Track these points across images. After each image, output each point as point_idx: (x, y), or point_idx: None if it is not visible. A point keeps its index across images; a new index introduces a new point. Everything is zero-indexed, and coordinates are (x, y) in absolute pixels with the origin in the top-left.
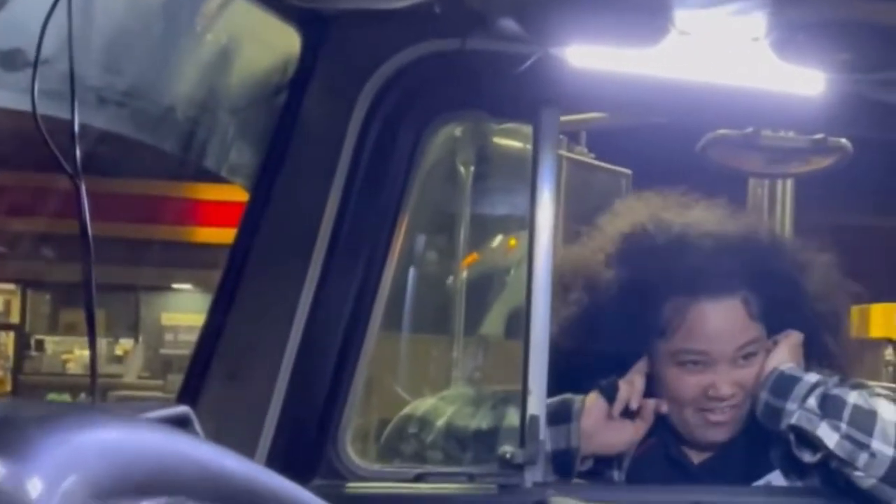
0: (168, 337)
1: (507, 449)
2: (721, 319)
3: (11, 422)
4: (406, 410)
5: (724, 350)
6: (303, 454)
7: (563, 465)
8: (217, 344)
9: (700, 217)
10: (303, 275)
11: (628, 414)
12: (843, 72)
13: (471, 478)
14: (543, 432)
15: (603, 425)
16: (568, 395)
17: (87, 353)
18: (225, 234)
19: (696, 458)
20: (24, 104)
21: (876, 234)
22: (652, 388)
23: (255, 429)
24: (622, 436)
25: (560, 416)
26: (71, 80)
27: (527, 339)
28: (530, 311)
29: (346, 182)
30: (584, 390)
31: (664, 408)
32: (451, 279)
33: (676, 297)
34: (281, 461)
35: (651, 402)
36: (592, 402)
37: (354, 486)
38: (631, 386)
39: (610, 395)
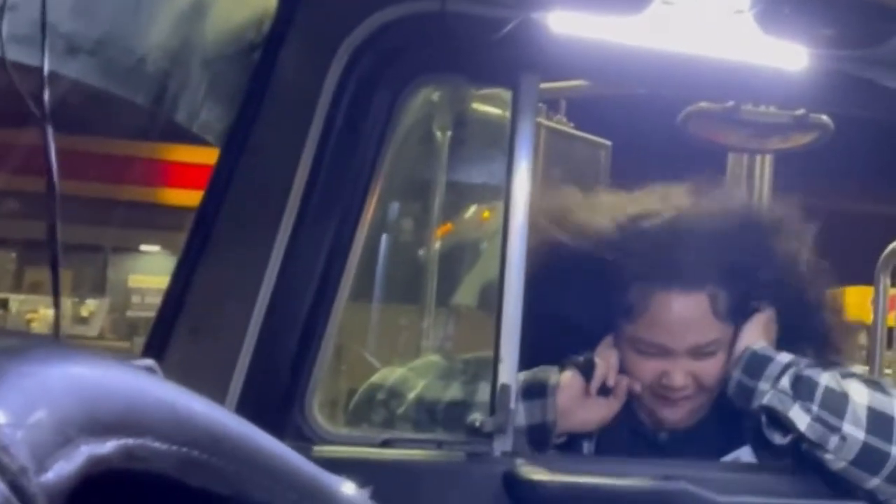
0: (135, 299)
1: (477, 417)
2: (684, 314)
3: None
4: (376, 377)
5: (681, 345)
6: (269, 416)
7: (538, 439)
8: (183, 303)
9: (678, 207)
10: (272, 236)
11: (603, 391)
12: (827, 47)
13: (439, 445)
14: (514, 401)
15: (579, 403)
16: (543, 369)
17: (51, 312)
18: (195, 197)
19: (662, 434)
20: None
21: (853, 216)
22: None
23: (220, 389)
24: (598, 413)
25: (535, 391)
26: (42, 26)
27: (499, 307)
28: (504, 279)
29: (319, 143)
30: (552, 362)
31: (638, 386)
32: (424, 247)
33: (644, 282)
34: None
35: (624, 380)
36: (569, 379)
37: (321, 450)
38: (607, 363)
39: (586, 372)
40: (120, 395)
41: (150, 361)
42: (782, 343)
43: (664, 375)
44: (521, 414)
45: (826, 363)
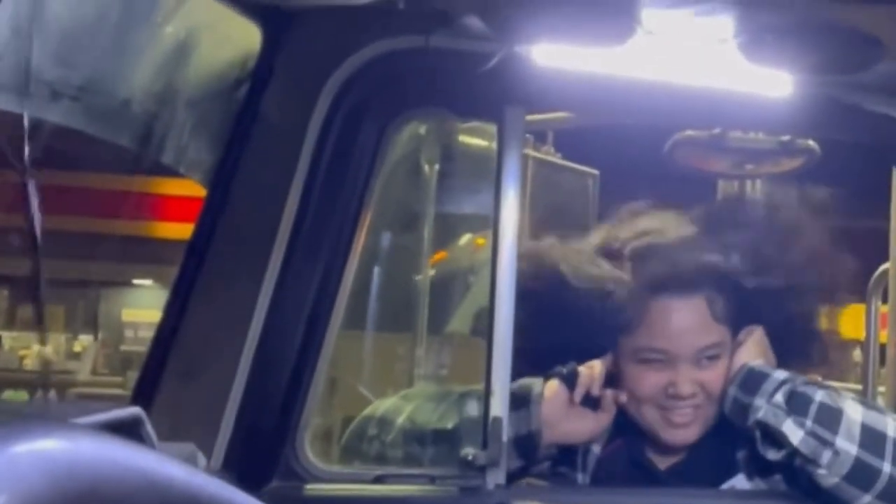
0: (128, 333)
1: (469, 451)
2: (683, 318)
3: None
4: (367, 411)
5: (684, 349)
6: (260, 455)
7: (525, 451)
8: (173, 342)
9: (669, 220)
10: (261, 273)
11: (590, 403)
12: (811, 74)
13: (432, 480)
14: (506, 434)
15: (564, 413)
16: (527, 380)
17: (46, 348)
18: (186, 230)
19: (662, 462)
20: None
21: (846, 235)
22: (615, 385)
23: (211, 429)
24: (583, 425)
25: (520, 401)
26: (26, 74)
27: (490, 338)
28: (494, 310)
29: (307, 179)
30: None
31: (623, 398)
32: (415, 278)
33: (640, 293)
34: (238, 462)
35: (611, 393)
36: (553, 389)
37: (313, 488)
38: (591, 372)
39: (570, 382)
40: (90, 467)
41: (136, 410)
42: (782, 363)
43: (670, 385)
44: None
45: (822, 383)
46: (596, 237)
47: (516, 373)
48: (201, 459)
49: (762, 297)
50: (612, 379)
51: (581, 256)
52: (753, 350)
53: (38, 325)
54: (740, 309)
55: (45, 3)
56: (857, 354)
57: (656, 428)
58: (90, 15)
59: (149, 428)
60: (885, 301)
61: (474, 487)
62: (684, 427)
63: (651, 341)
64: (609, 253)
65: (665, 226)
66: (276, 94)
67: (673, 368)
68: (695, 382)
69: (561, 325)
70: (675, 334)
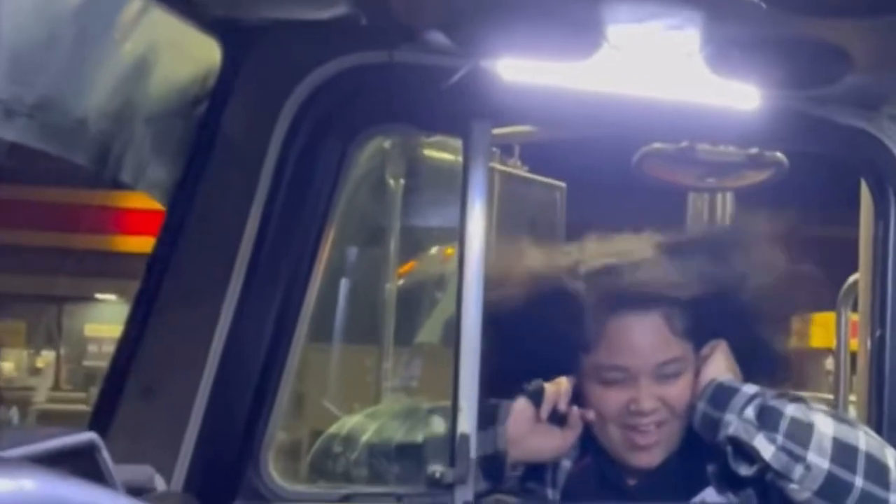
0: (91, 348)
1: (437, 468)
2: (640, 334)
3: None
4: (332, 429)
5: (644, 365)
6: (223, 475)
7: (492, 470)
8: (133, 359)
9: (629, 242)
10: (223, 288)
11: (556, 420)
12: (778, 87)
13: (399, 498)
14: (474, 451)
15: (530, 430)
16: (493, 400)
17: (7, 364)
18: (149, 243)
19: (631, 478)
20: None
21: (817, 244)
22: (580, 404)
23: (172, 448)
24: (550, 442)
25: (486, 421)
26: None
27: (457, 354)
28: (461, 326)
29: (269, 194)
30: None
31: (592, 416)
32: (382, 291)
33: (598, 312)
34: (200, 482)
35: (577, 411)
36: (519, 407)
37: None
38: (557, 388)
39: (536, 399)
40: None
41: (91, 436)
42: (746, 375)
43: (632, 402)
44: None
45: (792, 396)
46: (560, 260)
47: (481, 393)
48: (160, 482)
49: (722, 312)
50: (578, 399)
51: (544, 272)
52: (720, 363)
53: None
54: (701, 324)
55: None
56: (828, 363)
57: (621, 451)
58: (45, 32)
59: (104, 454)
60: (855, 310)
61: None
62: (648, 450)
63: (611, 359)
64: (571, 276)
65: (624, 248)
66: (238, 110)
67: (634, 385)
68: (657, 398)
69: (524, 347)
70: (634, 350)
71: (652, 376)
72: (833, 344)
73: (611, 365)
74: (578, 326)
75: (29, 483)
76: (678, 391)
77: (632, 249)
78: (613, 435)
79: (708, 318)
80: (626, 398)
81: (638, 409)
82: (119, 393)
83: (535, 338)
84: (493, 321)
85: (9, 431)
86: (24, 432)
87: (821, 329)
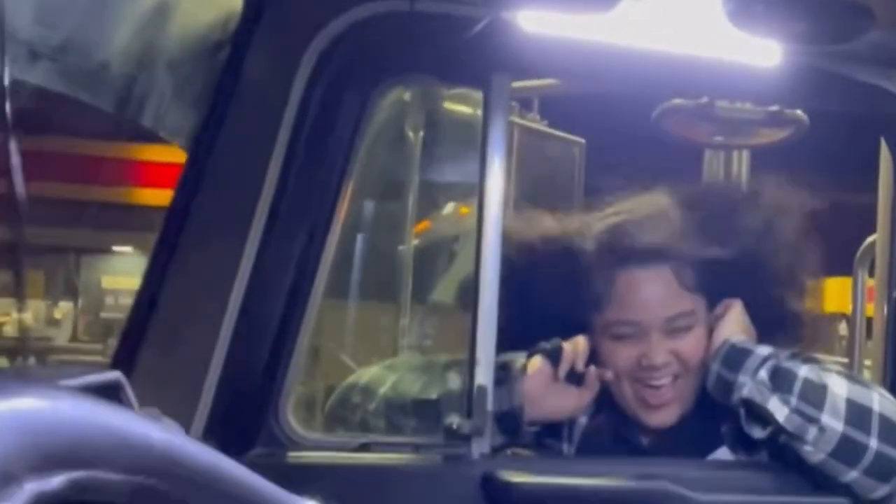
0: (108, 300)
1: (454, 419)
2: (649, 288)
3: None
4: (351, 379)
5: (653, 319)
6: (242, 422)
7: (508, 426)
8: (153, 308)
9: (640, 201)
10: (243, 239)
11: (573, 379)
12: (800, 43)
13: (416, 448)
14: (490, 403)
15: (547, 388)
16: (509, 355)
17: (25, 315)
18: (167, 196)
19: (647, 435)
20: None
21: (831, 208)
22: (594, 362)
23: (193, 395)
24: (567, 400)
25: (502, 377)
26: (0, 34)
27: (475, 308)
28: (479, 279)
29: (289, 144)
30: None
31: (609, 375)
32: (399, 246)
33: (607, 268)
34: (220, 428)
35: (595, 370)
36: (536, 365)
37: (295, 455)
38: (575, 348)
39: (554, 358)
40: (67, 427)
41: (116, 374)
42: (760, 335)
43: (643, 357)
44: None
45: (806, 357)
46: (571, 222)
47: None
48: (169, 424)
49: (734, 269)
50: (593, 359)
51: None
52: (733, 323)
53: (17, 291)
54: (712, 280)
55: None
56: (842, 327)
57: (635, 410)
58: None
59: (129, 392)
60: (871, 274)
61: (459, 456)
62: (661, 409)
63: (621, 314)
64: (580, 237)
65: (632, 205)
66: (259, 57)
67: (645, 339)
68: (668, 352)
69: (536, 306)
70: (644, 304)
71: (662, 330)
72: (847, 308)
73: (621, 320)
74: (589, 285)
75: (67, 404)
76: (690, 345)
77: (640, 205)
78: (627, 393)
79: (719, 274)
80: (638, 353)
81: (650, 364)
82: (138, 342)
83: (548, 297)
84: (507, 280)
85: (36, 369)
86: (50, 370)
87: (834, 294)
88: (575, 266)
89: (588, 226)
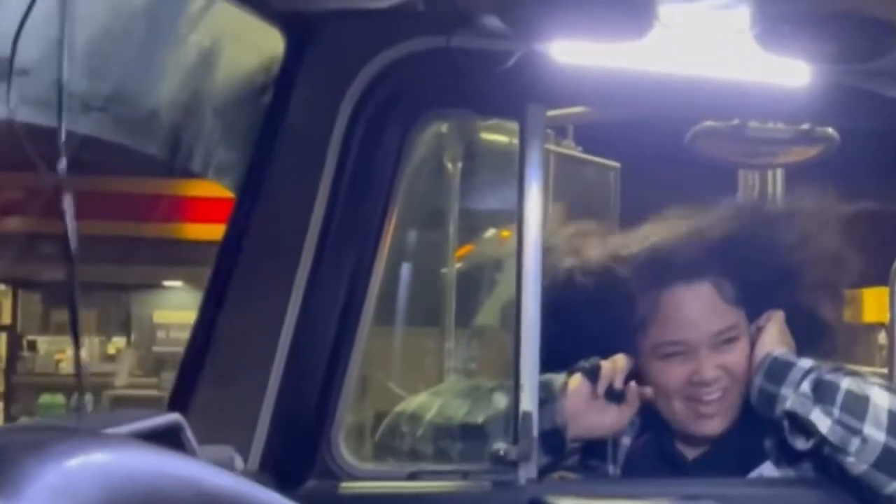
0: (160, 335)
1: (501, 446)
2: (693, 305)
3: (2, 451)
4: (398, 408)
5: (701, 336)
6: (296, 455)
7: (551, 446)
8: (208, 345)
9: (675, 223)
10: (292, 274)
11: (613, 397)
12: (828, 62)
13: (464, 475)
14: (536, 429)
15: (587, 406)
16: (549, 376)
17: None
18: (214, 231)
19: (690, 453)
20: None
21: (867, 219)
22: (638, 379)
23: (248, 430)
24: (607, 418)
25: (543, 397)
26: (59, 87)
27: (517, 333)
28: (520, 305)
29: (334, 181)
30: None
31: (650, 392)
32: (442, 273)
33: (648, 290)
34: (275, 462)
35: (635, 387)
36: (575, 383)
37: (348, 486)
38: (613, 366)
39: (593, 376)
40: (142, 478)
41: (176, 416)
42: (798, 348)
43: (694, 374)
44: None
45: (848, 370)
46: (609, 247)
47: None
48: (238, 462)
49: (772, 282)
50: (637, 378)
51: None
52: (774, 334)
53: (73, 329)
54: (750, 293)
55: (74, 18)
56: (881, 337)
57: (685, 421)
58: (117, 28)
59: (189, 434)
60: None
61: (507, 482)
62: (712, 418)
63: (668, 335)
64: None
65: (669, 225)
66: (301, 98)
67: (694, 357)
68: (717, 367)
69: (578, 330)
70: (690, 322)
71: (710, 346)
72: (885, 318)
73: (669, 341)
74: (632, 308)
75: (140, 456)
76: (736, 357)
77: (675, 224)
78: (678, 408)
79: (757, 287)
80: (688, 371)
81: (701, 380)
82: (195, 378)
83: (590, 321)
84: (547, 306)
85: (95, 415)
86: (110, 415)
87: (873, 304)
88: (616, 290)
89: (627, 248)
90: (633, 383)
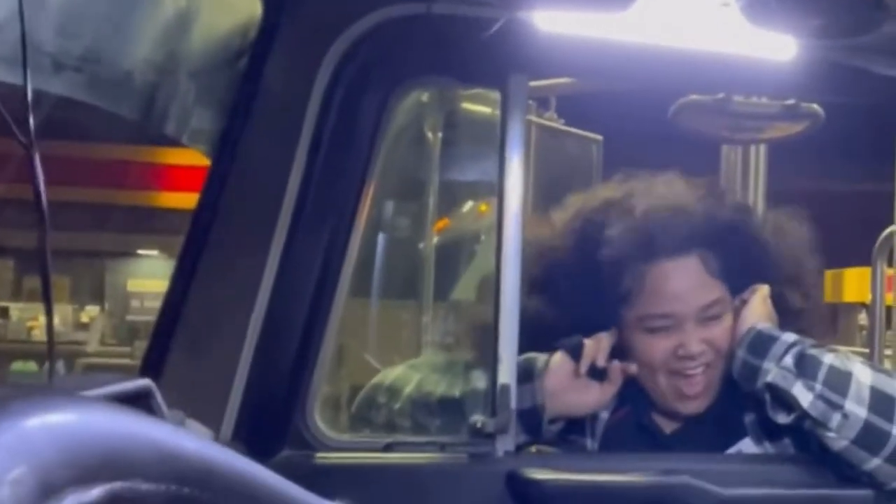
0: (134, 303)
1: (478, 418)
2: (680, 279)
3: None
4: (375, 379)
5: (688, 309)
6: (270, 425)
7: (530, 424)
8: (181, 313)
9: (660, 189)
10: (267, 242)
11: (595, 375)
12: (815, 37)
13: (441, 447)
14: (514, 401)
15: (568, 384)
16: (531, 354)
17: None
18: (190, 199)
19: (668, 427)
20: None
21: (850, 199)
22: (623, 358)
23: (221, 399)
24: (588, 396)
25: (524, 375)
26: (23, 45)
27: (497, 306)
28: (500, 278)
29: (310, 149)
30: None
31: (633, 369)
32: (420, 245)
33: (634, 262)
34: (248, 432)
35: (618, 364)
36: (557, 361)
37: (323, 457)
38: (597, 344)
39: (575, 354)
40: (104, 439)
41: (146, 382)
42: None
43: (680, 347)
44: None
45: (829, 346)
46: (587, 202)
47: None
48: (203, 431)
49: (752, 259)
50: (620, 352)
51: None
52: (758, 308)
53: (46, 296)
54: (733, 268)
55: None
56: (862, 317)
57: (668, 399)
58: None
59: (159, 399)
60: (890, 264)
61: (484, 454)
62: (696, 398)
63: (654, 307)
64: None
65: (652, 193)
66: (278, 63)
67: (680, 330)
68: (702, 341)
69: (562, 303)
70: (677, 295)
71: (696, 319)
72: (867, 298)
73: (655, 313)
74: (616, 281)
75: (100, 416)
76: (721, 332)
77: (659, 195)
78: (661, 383)
79: (739, 262)
80: (674, 344)
81: (686, 354)
82: (167, 346)
83: (572, 295)
84: (531, 278)
85: (66, 378)
86: (81, 378)
87: (854, 284)
88: (599, 263)
89: (611, 220)
90: (615, 361)
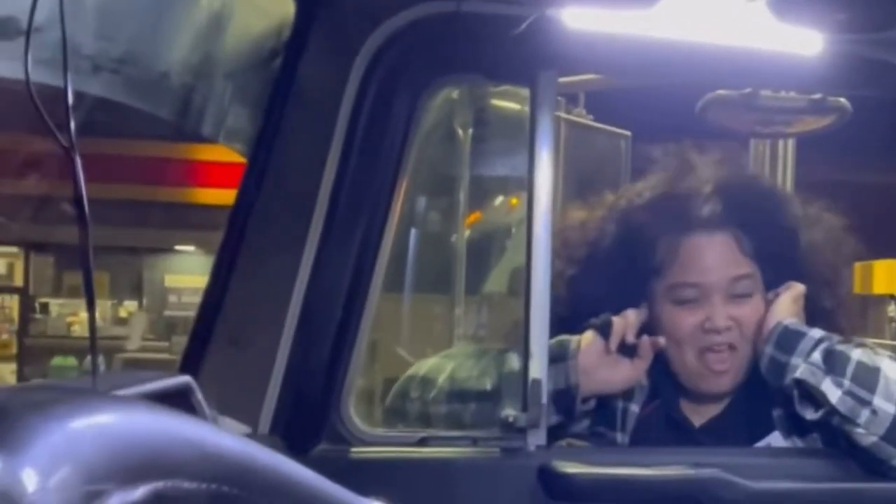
0: (171, 299)
1: (510, 413)
2: (712, 252)
3: (5, 410)
4: (409, 373)
5: (716, 282)
6: (307, 420)
7: (564, 405)
8: (219, 310)
9: (696, 163)
10: (303, 239)
11: (626, 351)
12: (841, 32)
13: (474, 441)
14: (545, 396)
15: (600, 362)
16: (563, 336)
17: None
18: (226, 196)
19: (698, 420)
20: (18, 72)
21: (879, 191)
22: (651, 331)
23: (258, 395)
24: (620, 372)
25: (557, 356)
26: (63, 49)
27: (527, 301)
28: (530, 273)
29: (344, 146)
30: None
31: (662, 342)
32: (452, 240)
33: (669, 234)
34: (284, 427)
35: (648, 339)
36: (588, 340)
37: (358, 451)
38: (625, 320)
39: (605, 332)
40: (147, 439)
41: (186, 379)
42: (807, 319)
43: (707, 320)
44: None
45: (858, 341)
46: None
47: (552, 327)
48: (241, 429)
49: (785, 244)
50: (649, 330)
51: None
52: (788, 305)
53: (88, 292)
54: (765, 252)
55: None
56: (891, 309)
57: (694, 375)
58: None
59: (199, 396)
60: None
61: (516, 449)
62: (720, 375)
63: (684, 277)
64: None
65: (698, 165)
66: (312, 62)
67: (707, 302)
68: (729, 318)
69: (596, 280)
70: (707, 267)
71: (724, 293)
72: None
73: (684, 283)
74: (649, 252)
75: (143, 417)
76: (749, 313)
77: (697, 172)
78: (688, 358)
79: (774, 248)
80: (701, 317)
81: (712, 327)
82: (206, 342)
83: (606, 267)
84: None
85: (106, 375)
86: (121, 376)
87: (883, 276)
88: (635, 237)
89: (642, 193)
90: (644, 336)
